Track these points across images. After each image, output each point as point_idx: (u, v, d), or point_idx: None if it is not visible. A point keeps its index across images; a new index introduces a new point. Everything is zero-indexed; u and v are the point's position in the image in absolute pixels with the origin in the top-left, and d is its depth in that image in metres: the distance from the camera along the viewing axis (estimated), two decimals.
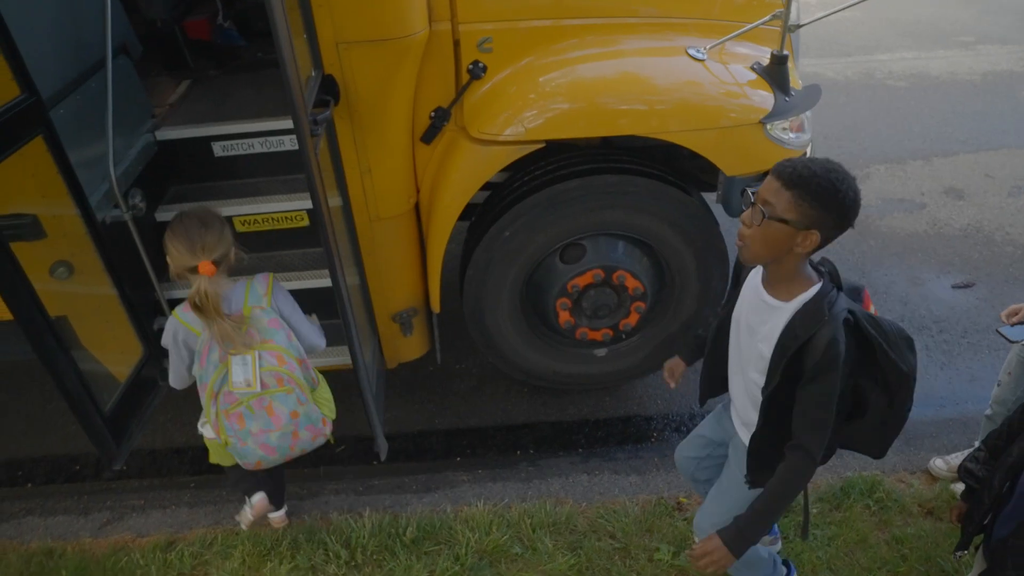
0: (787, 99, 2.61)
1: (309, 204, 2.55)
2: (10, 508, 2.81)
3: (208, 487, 2.83)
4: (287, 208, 2.82)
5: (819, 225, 1.49)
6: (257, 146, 2.96)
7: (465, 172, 2.54)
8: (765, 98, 2.57)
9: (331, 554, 2.48)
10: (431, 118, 2.52)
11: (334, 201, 2.59)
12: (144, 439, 3.01)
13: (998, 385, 2.46)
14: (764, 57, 2.66)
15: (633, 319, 2.90)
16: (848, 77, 5.88)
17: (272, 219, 2.85)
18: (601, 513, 2.59)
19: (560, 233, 2.72)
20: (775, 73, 2.60)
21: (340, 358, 2.70)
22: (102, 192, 2.64)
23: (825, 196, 1.47)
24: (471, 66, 2.45)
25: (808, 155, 2.84)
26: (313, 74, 2.23)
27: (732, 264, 2.84)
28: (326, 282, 2.71)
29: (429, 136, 2.55)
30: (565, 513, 2.59)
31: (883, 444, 1.82)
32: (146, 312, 2.75)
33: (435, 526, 2.57)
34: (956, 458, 2.65)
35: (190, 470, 2.93)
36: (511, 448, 2.98)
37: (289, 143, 2.85)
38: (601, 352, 3.09)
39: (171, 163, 3.11)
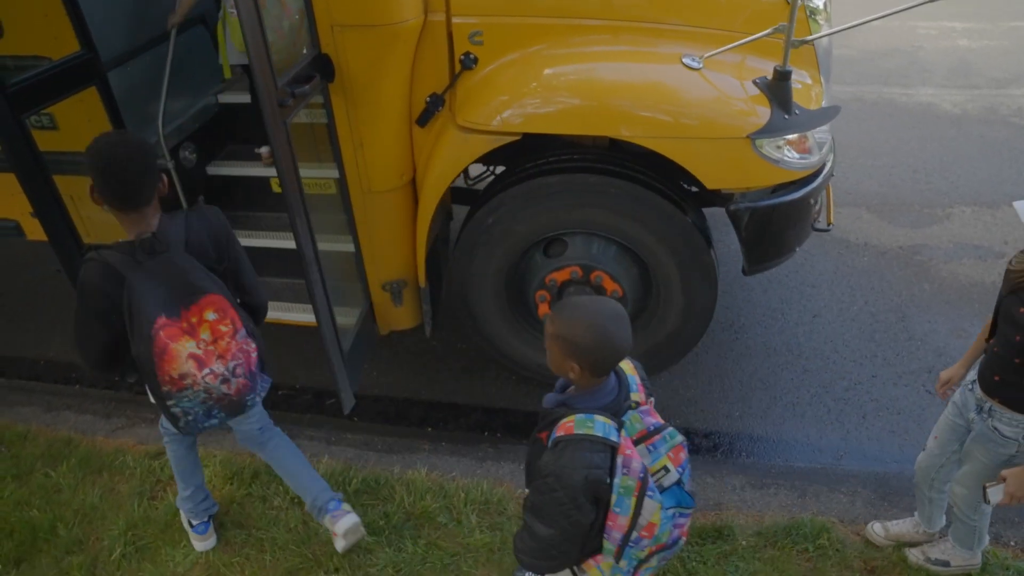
0: (786, 117, 2.52)
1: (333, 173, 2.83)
2: (56, 402, 3.30)
3: None
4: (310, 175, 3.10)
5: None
6: (303, 116, 3.25)
7: (448, 157, 2.68)
8: (759, 114, 2.49)
9: (281, 488, 2.72)
10: (427, 103, 2.67)
11: (330, 172, 2.83)
12: None
13: (923, 450, 2.28)
14: (796, 78, 2.58)
15: None
16: (966, 110, 5.37)
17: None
18: None
19: (541, 226, 2.78)
20: (776, 89, 2.52)
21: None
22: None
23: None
24: (463, 56, 2.58)
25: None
26: (306, 51, 2.46)
27: (719, 285, 2.81)
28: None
29: (423, 119, 2.70)
30: (499, 495, 2.67)
31: None
32: None
33: (379, 483, 2.74)
34: (896, 525, 2.45)
35: None
36: (480, 429, 3.09)
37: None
38: None
39: (231, 124, 3.50)
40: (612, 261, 2.81)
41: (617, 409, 1.60)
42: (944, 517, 2.39)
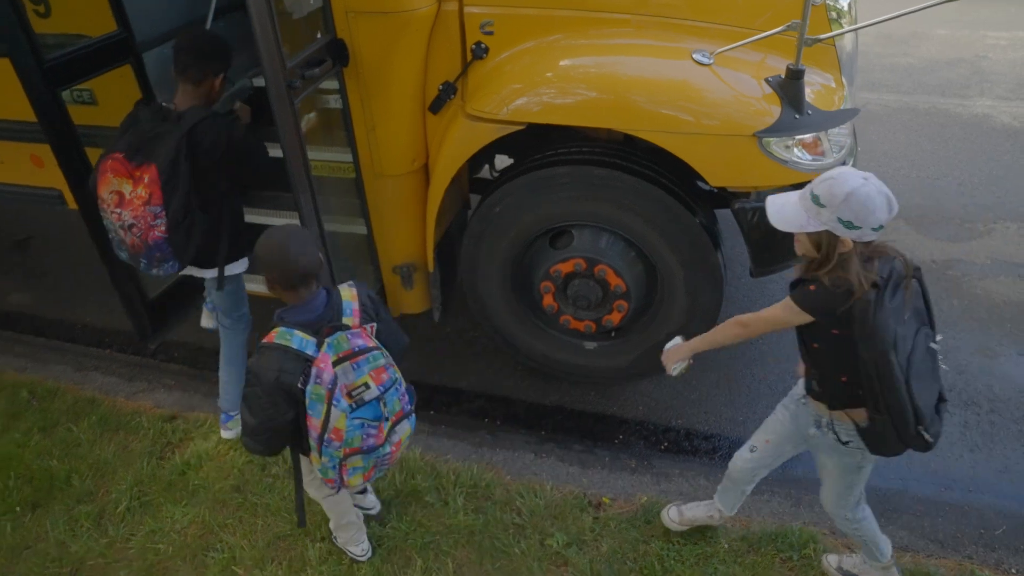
0: (797, 116, 2.48)
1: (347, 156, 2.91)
2: (86, 363, 3.49)
3: None
4: (326, 158, 3.19)
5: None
6: (332, 102, 3.35)
7: (456, 144, 2.72)
8: (769, 112, 2.46)
9: (280, 459, 2.81)
10: (439, 90, 2.72)
11: (344, 156, 2.91)
12: (192, 336, 3.53)
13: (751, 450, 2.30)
14: (809, 75, 2.53)
15: (616, 317, 2.90)
16: None
17: (318, 166, 3.23)
18: (520, 490, 2.67)
19: (546, 217, 2.80)
20: (788, 88, 2.47)
21: None
22: None
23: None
24: (474, 46, 2.62)
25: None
26: (320, 36, 2.54)
27: (735, 289, 2.78)
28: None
29: (435, 106, 2.75)
30: (488, 480, 2.71)
31: None
32: None
33: None
34: (691, 510, 2.46)
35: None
36: (481, 415, 3.13)
37: None
38: (591, 345, 3.12)
39: (263, 105, 3.63)
40: (617, 256, 2.81)
41: (320, 326, 1.89)
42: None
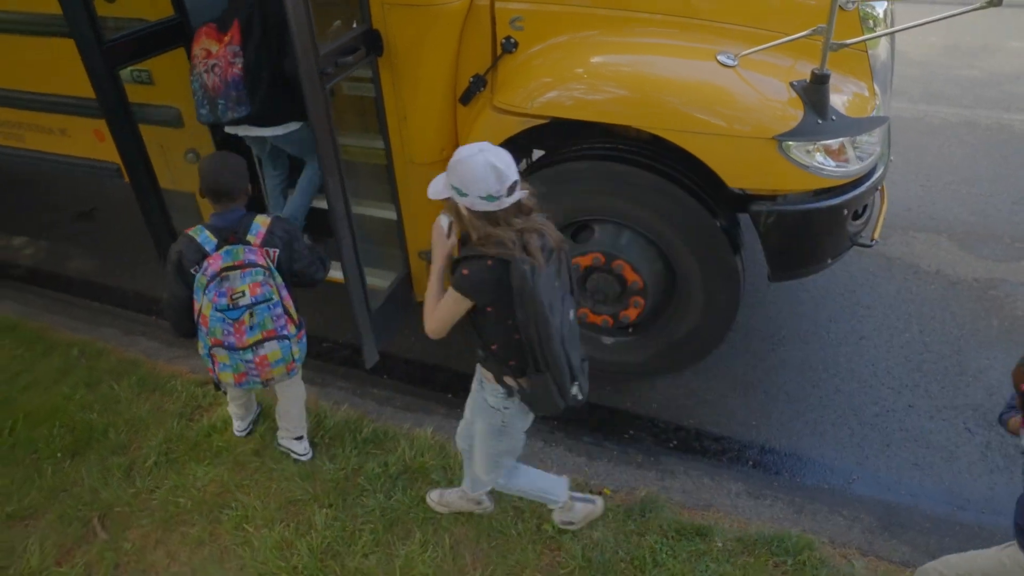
0: (820, 122, 2.47)
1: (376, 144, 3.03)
2: (133, 327, 3.71)
3: None
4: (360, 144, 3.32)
5: None
6: (367, 90, 3.46)
7: (480, 136, 2.78)
8: (791, 115, 2.45)
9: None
10: (470, 82, 2.81)
11: (376, 143, 3.02)
12: None
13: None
14: (840, 82, 2.53)
15: (632, 313, 2.93)
16: None
17: (351, 151, 3.36)
18: None
19: (568, 210, 2.85)
20: (812, 92, 2.47)
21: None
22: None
23: None
24: (504, 40, 2.69)
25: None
26: (355, 25, 2.66)
27: (743, 286, 2.78)
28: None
29: (466, 98, 2.84)
30: None
31: None
32: None
33: (387, 435, 2.91)
34: (449, 493, 2.58)
35: None
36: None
37: None
38: (608, 340, 3.15)
39: None
40: (636, 252, 2.84)
41: (227, 234, 2.39)
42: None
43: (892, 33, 2.49)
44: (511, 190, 1.82)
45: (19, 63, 3.59)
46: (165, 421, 3.02)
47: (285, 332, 2.45)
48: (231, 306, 2.35)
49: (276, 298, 2.41)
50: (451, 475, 2.73)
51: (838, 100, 2.58)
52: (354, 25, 2.66)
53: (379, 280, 3.23)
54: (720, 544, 2.44)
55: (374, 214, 3.28)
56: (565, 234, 2.98)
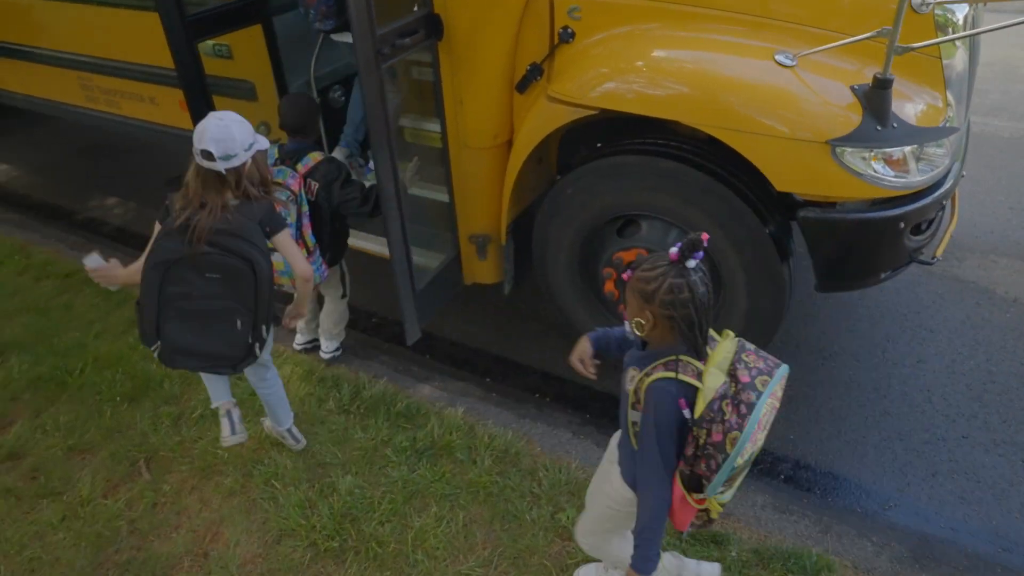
0: (879, 129, 2.36)
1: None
2: None
3: None
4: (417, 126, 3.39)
5: None
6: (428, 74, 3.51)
7: (533, 125, 2.82)
8: (847, 120, 2.36)
9: (340, 394, 3.06)
10: (527, 70, 2.83)
11: (432, 125, 3.08)
12: None
13: None
14: (910, 90, 2.43)
15: None
16: None
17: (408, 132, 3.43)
18: (546, 463, 2.74)
19: (615, 204, 2.84)
20: (873, 97, 2.37)
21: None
22: (303, 80, 3.50)
23: None
24: (561, 30, 2.70)
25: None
26: (416, 9, 2.72)
27: (790, 296, 2.69)
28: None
29: (522, 86, 2.86)
30: (518, 448, 2.80)
31: None
32: None
33: (419, 411, 2.98)
34: (266, 421, 2.72)
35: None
36: (533, 391, 3.22)
37: None
38: None
39: None
40: None
41: (283, 157, 2.85)
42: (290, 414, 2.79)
43: (963, 37, 2.35)
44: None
45: (117, 35, 3.86)
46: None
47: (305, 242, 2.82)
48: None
49: (292, 220, 2.71)
50: (475, 455, 2.77)
51: (906, 108, 2.47)
52: (415, 8, 2.73)
53: (427, 260, 3.30)
54: (734, 554, 2.39)
55: (424, 195, 3.35)
56: (611, 228, 2.97)
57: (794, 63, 2.43)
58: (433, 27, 2.74)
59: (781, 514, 2.59)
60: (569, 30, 2.69)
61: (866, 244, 2.55)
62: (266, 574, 2.40)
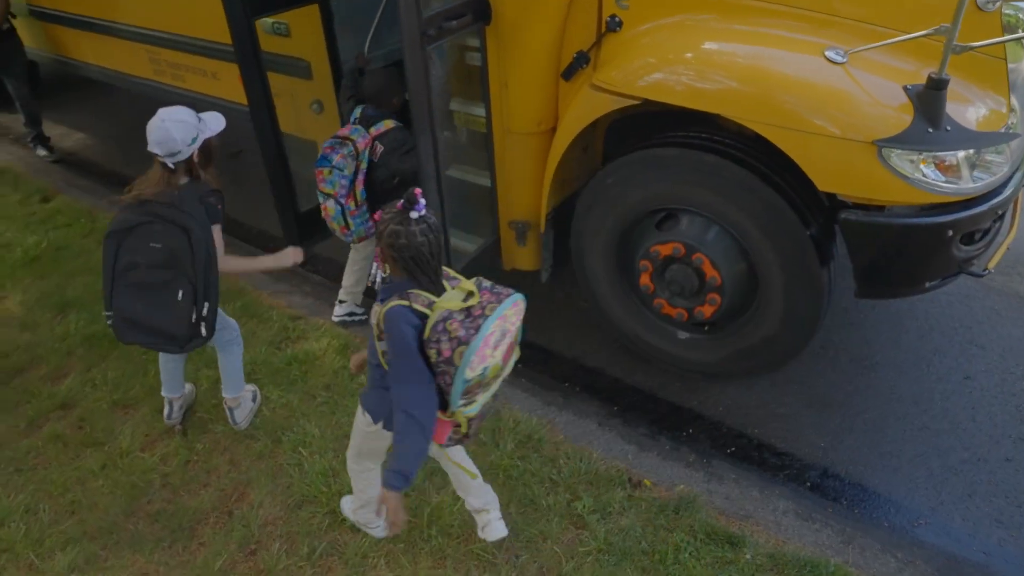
0: (930, 131, 2.28)
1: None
2: None
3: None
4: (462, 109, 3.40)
5: None
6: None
7: (576, 113, 2.81)
8: (897, 120, 2.28)
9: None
10: (573, 58, 2.82)
11: (478, 110, 3.10)
12: (338, 255, 3.95)
13: None
14: (971, 93, 2.35)
15: (707, 310, 2.85)
16: None
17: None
18: (568, 452, 2.74)
19: (654, 196, 2.81)
20: (926, 98, 2.28)
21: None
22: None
23: None
24: (608, 19, 2.68)
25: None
26: None
27: (828, 301, 2.62)
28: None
29: (568, 74, 2.86)
30: (541, 435, 2.81)
31: None
32: None
33: None
34: None
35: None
36: (563, 379, 3.22)
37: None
38: (683, 335, 3.08)
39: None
40: (719, 248, 2.75)
41: (363, 120, 3.10)
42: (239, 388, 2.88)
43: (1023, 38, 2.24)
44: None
45: (184, 10, 4.00)
46: (255, 346, 3.29)
47: (342, 200, 3.06)
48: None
49: (348, 172, 3.01)
50: (498, 438, 2.79)
51: (964, 111, 2.38)
52: None
53: (467, 244, 3.33)
54: (749, 557, 2.35)
55: (466, 178, 3.37)
56: (650, 221, 2.94)
57: (845, 60, 2.36)
58: (481, 11, 2.76)
59: (803, 521, 2.53)
60: (617, 19, 2.68)
61: (910, 251, 2.46)
62: (284, 536, 2.47)
